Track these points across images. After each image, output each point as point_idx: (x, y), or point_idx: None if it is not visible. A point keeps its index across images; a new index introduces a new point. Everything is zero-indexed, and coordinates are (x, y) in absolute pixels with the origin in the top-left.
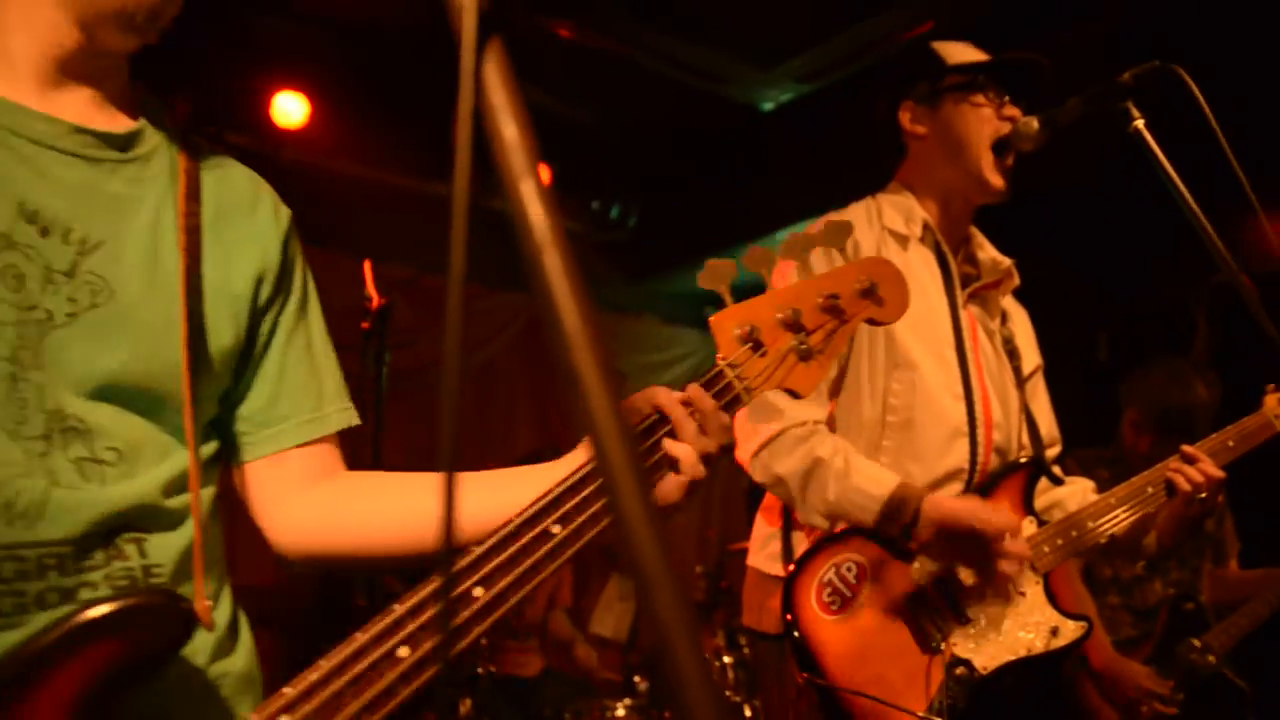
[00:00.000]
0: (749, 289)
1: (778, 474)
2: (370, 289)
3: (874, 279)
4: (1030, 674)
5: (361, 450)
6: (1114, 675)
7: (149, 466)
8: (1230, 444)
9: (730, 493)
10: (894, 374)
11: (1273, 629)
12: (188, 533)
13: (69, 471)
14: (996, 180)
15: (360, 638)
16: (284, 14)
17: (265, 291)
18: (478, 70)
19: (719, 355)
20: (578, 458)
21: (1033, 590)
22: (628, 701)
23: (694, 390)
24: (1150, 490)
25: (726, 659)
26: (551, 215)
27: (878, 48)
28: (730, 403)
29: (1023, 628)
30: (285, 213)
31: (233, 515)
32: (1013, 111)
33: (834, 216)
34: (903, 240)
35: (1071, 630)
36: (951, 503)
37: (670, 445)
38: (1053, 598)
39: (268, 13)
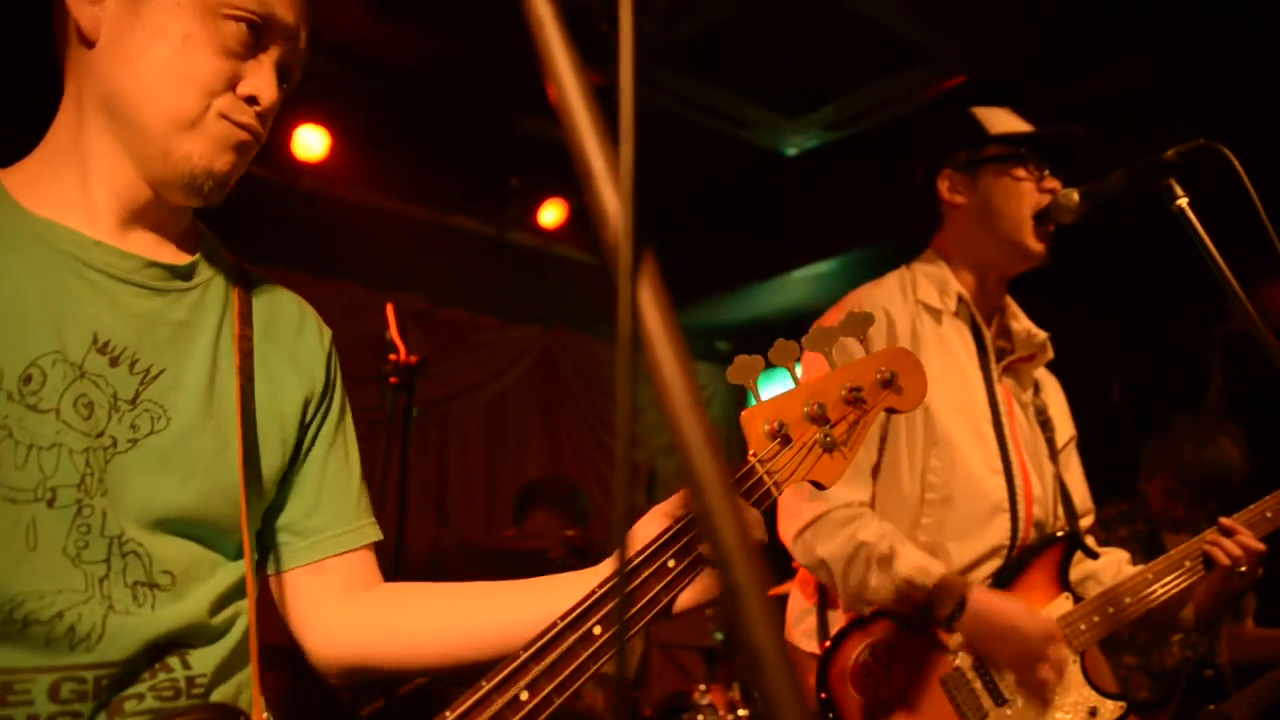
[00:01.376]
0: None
1: (820, 556)
2: (395, 336)
3: (894, 369)
4: None
5: (389, 498)
6: None
7: (197, 585)
8: (1268, 515)
9: None
10: (932, 451)
11: None
12: (229, 642)
13: (124, 597)
14: (1037, 246)
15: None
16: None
17: (311, 411)
18: (634, 296)
19: (750, 451)
20: (608, 566)
21: (1070, 669)
22: None
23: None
24: (1188, 564)
25: (741, 713)
26: (717, 460)
27: (905, 100)
28: (761, 497)
29: (1060, 708)
30: (328, 333)
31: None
32: (1053, 184)
33: (866, 293)
34: (936, 314)
35: (1110, 710)
36: (1000, 600)
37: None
38: (1089, 676)
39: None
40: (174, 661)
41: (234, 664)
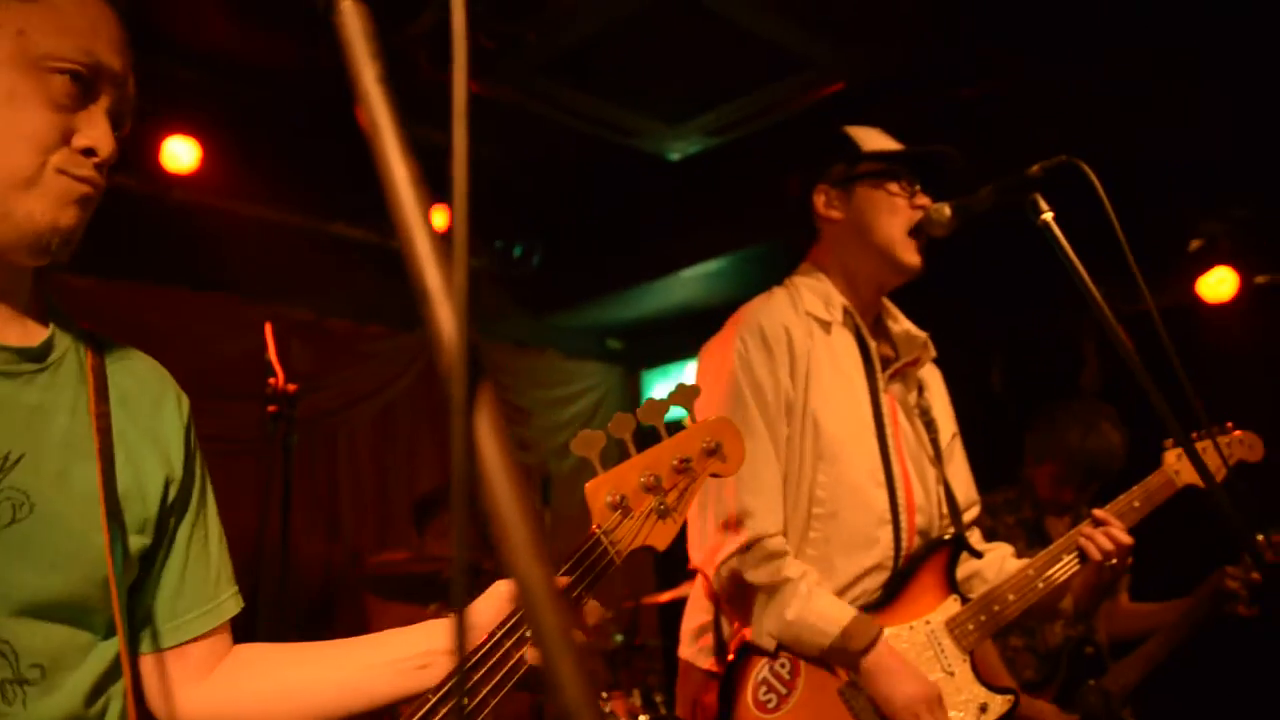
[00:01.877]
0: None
1: (748, 583)
2: (273, 358)
3: (718, 439)
4: None
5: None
6: (1023, 716)
7: (69, 674)
8: (1136, 504)
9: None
10: (820, 466)
11: (1170, 670)
12: None
13: None
14: (912, 258)
15: None
16: (174, 58)
17: (173, 490)
18: (469, 424)
19: (594, 523)
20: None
21: (960, 669)
22: None
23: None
24: (1065, 558)
25: (642, 718)
26: (544, 569)
27: (785, 106)
28: (605, 566)
29: (954, 707)
30: (185, 402)
31: None
32: (924, 200)
33: (759, 307)
34: (825, 325)
35: (999, 705)
36: (899, 665)
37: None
38: (978, 673)
39: (157, 57)
40: None
41: None
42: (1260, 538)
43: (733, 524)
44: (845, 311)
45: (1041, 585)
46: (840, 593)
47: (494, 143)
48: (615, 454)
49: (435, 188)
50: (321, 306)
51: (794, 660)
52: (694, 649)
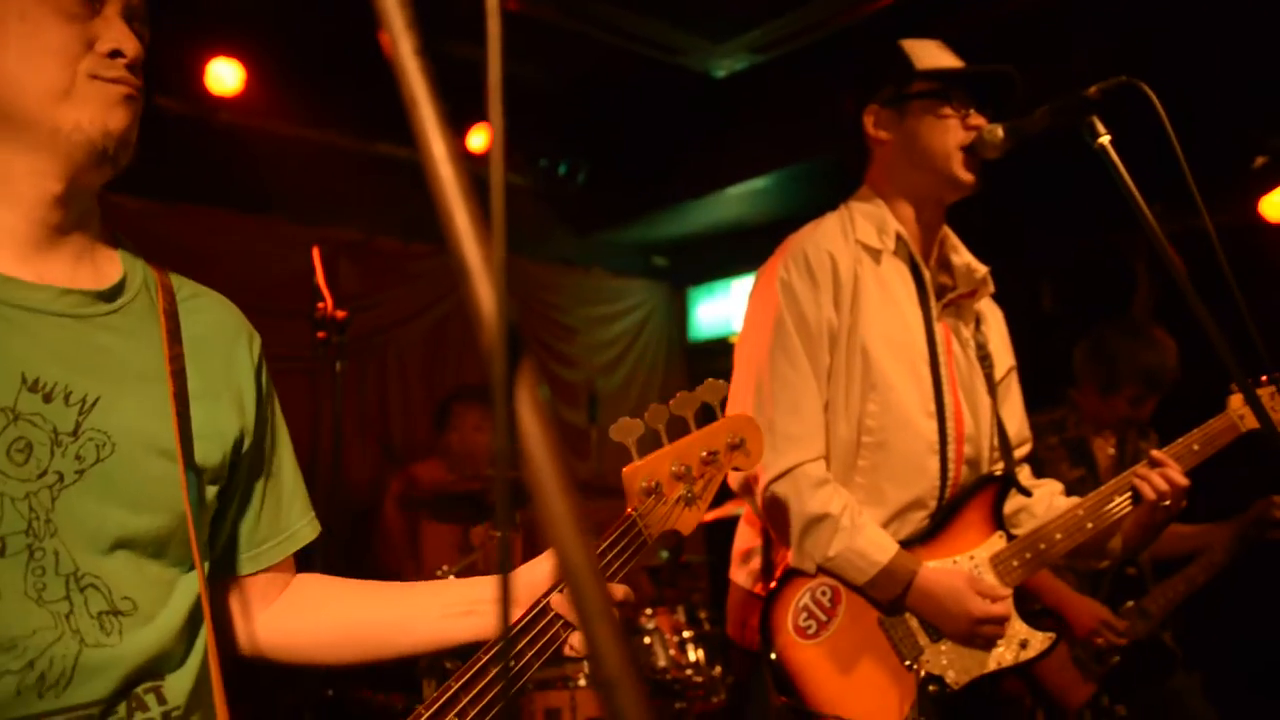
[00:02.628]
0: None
1: (788, 510)
2: (321, 282)
3: (742, 435)
4: (1000, 683)
5: (322, 436)
6: (1066, 608)
7: (158, 607)
8: (1195, 448)
9: None
10: (870, 395)
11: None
12: (194, 664)
13: (93, 629)
14: (966, 176)
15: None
16: None
17: (247, 431)
18: (510, 400)
19: (629, 505)
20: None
21: (1004, 604)
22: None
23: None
24: (1117, 499)
25: (686, 634)
26: (586, 544)
27: (832, 22)
28: (639, 546)
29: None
30: (257, 341)
31: None
32: (978, 120)
33: (807, 234)
34: (876, 254)
35: (1040, 641)
36: (942, 580)
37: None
38: (1020, 607)
39: None
40: (149, 699)
41: (201, 690)
42: None
43: (778, 448)
44: (898, 239)
45: (1090, 525)
46: (887, 522)
47: (538, 60)
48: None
49: (473, 106)
50: (369, 226)
51: (835, 588)
52: (742, 572)
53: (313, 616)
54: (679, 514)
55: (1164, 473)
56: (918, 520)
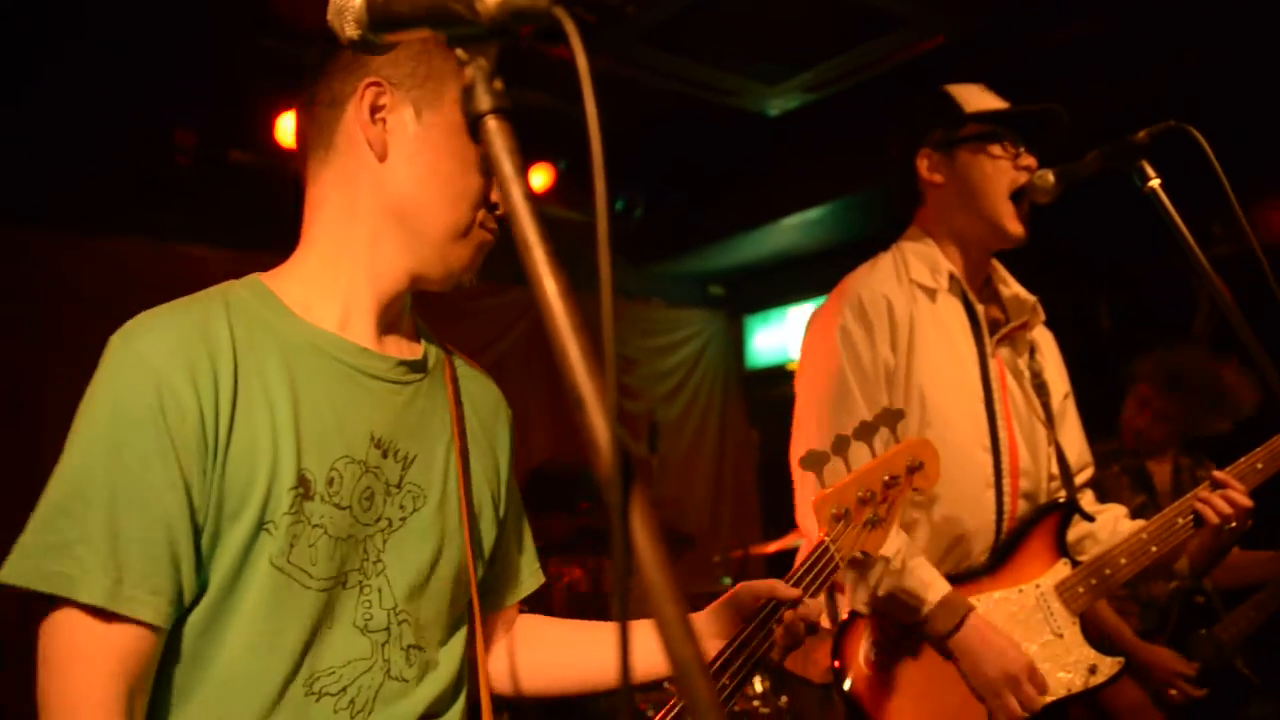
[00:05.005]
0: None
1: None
2: None
3: (920, 458)
4: (1068, 712)
5: None
6: (1140, 661)
7: (442, 646)
8: (1259, 466)
9: (743, 496)
10: (925, 432)
11: None
12: (461, 704)
13: (399, 660)
14: (1016, 228)
15: None
16: (286, 37)
17: (503, 489)
18: (626, 523)
19: (821, 532)
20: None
21: (1070, 631)
22: (653, 698)
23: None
24: (1180, 522)
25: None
26: (694, 646)
27: (882, 62)
28: (831, 570)
29: (1062, 668)
30: (509, 412)
31: None
32: (1029, 161)
33: (862, 277)
34: (931, 293)
35: (1109, 667)
36: (994, 630)
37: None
38: (1088, 634)
39: (269, 33)
40: None
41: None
42: None
43: None
44: (951, 278)
45: (1155, 549)
46: (944, 555)
47: (596, 103)
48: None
49: (533, 148)
50: None
51: (903, 626)
52: None
53: (532, 655)
54: (866, 536)
55: (1226, 494)
56: (978, 553)
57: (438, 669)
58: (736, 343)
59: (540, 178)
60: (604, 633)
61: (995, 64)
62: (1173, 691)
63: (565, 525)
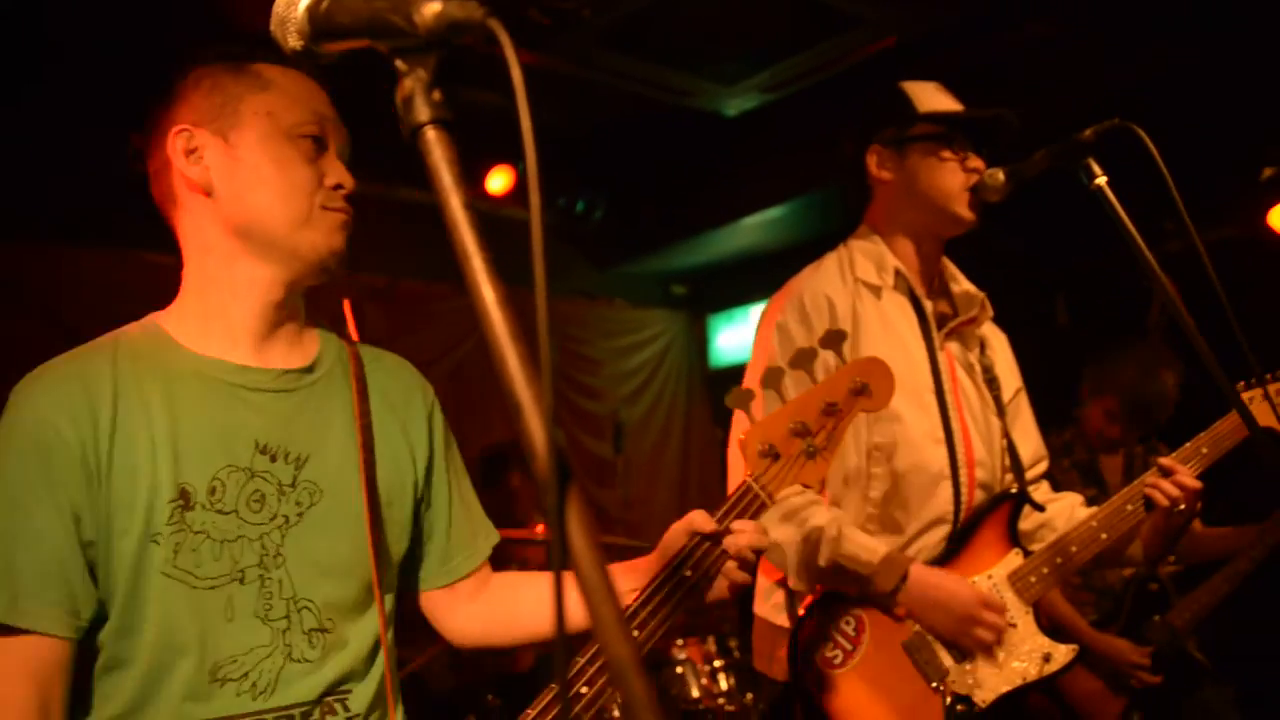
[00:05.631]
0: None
1: (774, 539)
2: (352, 331)
3: (864, 379)
4: (1027, 700)
5: None
6: (1097, 651)
7: (352, 627)
8: (1204, 450)
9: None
10: (876, 427)
11: (1234, 604)
12: (375, 676)
13: (302, 643)
14: (968, 214)
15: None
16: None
17: (420, 470)
18: (563, 526)
19: (746, 471)
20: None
21: (1023, 620)
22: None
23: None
24: (1129, 508)
25: (717, 663)
26: (630, 644)
27: (838, 62)
28: (758, 509)
29: (1016, 658)
30: (430, 391)
31: None
32: (977, 163)
33: (806, 278)
34: (875, 290)
35: (1063, 654)
36: (936, 573)
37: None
38: (1041, 623)
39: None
40: (338, 705)
41: (379, 699)
42: None
43: None
44: (898, 274)
45: (1105, 536)
46: (904, 547)
47: (554, 106)
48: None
49: (492, 150)
50: (394, 270)
51: (859, 618)
52: (767, 605)
53: (502, 609)
54: (799, 469)
55: (1175, 479)
56: (935, 545)
57: (346, 646)
58: (700, 342)
59: (500, 180)
60: (568, 579)
61: (952, 63)
62: (1132, 681)
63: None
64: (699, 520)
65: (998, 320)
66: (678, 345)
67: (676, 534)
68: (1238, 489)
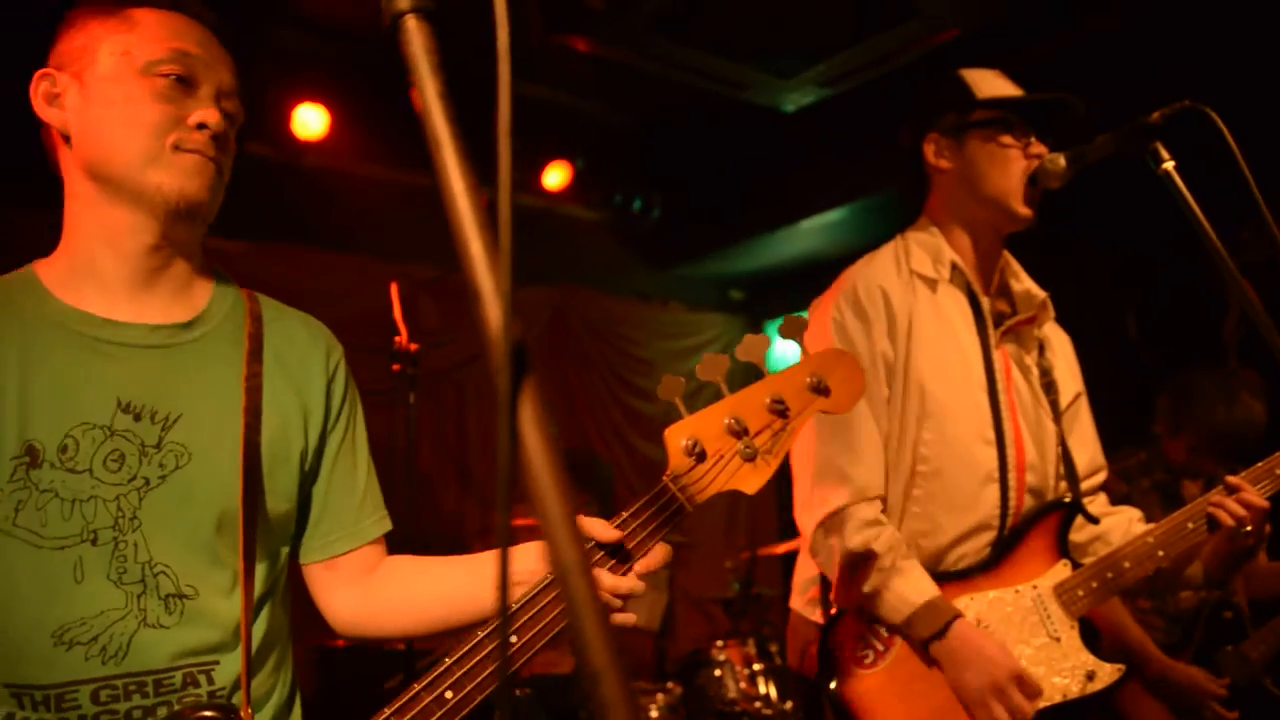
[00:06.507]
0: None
1: (833, 548)
2: (398, 317)
3: (823, 374)
4: (1069, 715)
5: (397, 463)
6: (1172, 682)
7: (220, 597)
8: (1278, 471)
9: (760, 498)
10: (925, 424)
11: None
12: (242, 652)
13: (158, 609)
14: (1024, 211)
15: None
16: (301, 27)
17: (312, 437)
18: (514, 415)
19: (667, 470)
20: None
21: (1068, 635)
22: (660, 700)
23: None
24: (1191, 526)
25: (756, 666)
26: (577, 545)
27: (898, 55)
28: (674, 513)
29: (1058, 673)
30: (336, 354)
31: None
32: (1039, 149)
33: (860, 269)
34: (931, 283)
35: (1108, 674)
36: (980, 635)
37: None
38: (1089, 638)
39: (286, 26)
40: (201, 677)
41: (247, 674)
42: None
43: (831, 487)
44: (954, 268)
45: (1162, 554)
46: (944, 551)
47: (609, 98)
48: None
49: (550, 146)
50: (446, 262)
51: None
52: (802, 600)
53: (386, 593)
54: (733, 473)
55: (1241, 497)
56: (979, 549)
57: (210, 615)
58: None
59: (556, 175)
60: (465, 565)
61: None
62: (1206, 713)
63: None
64: (597, 528)
65: (1068, 332)
66: (734, 349)
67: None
68: None
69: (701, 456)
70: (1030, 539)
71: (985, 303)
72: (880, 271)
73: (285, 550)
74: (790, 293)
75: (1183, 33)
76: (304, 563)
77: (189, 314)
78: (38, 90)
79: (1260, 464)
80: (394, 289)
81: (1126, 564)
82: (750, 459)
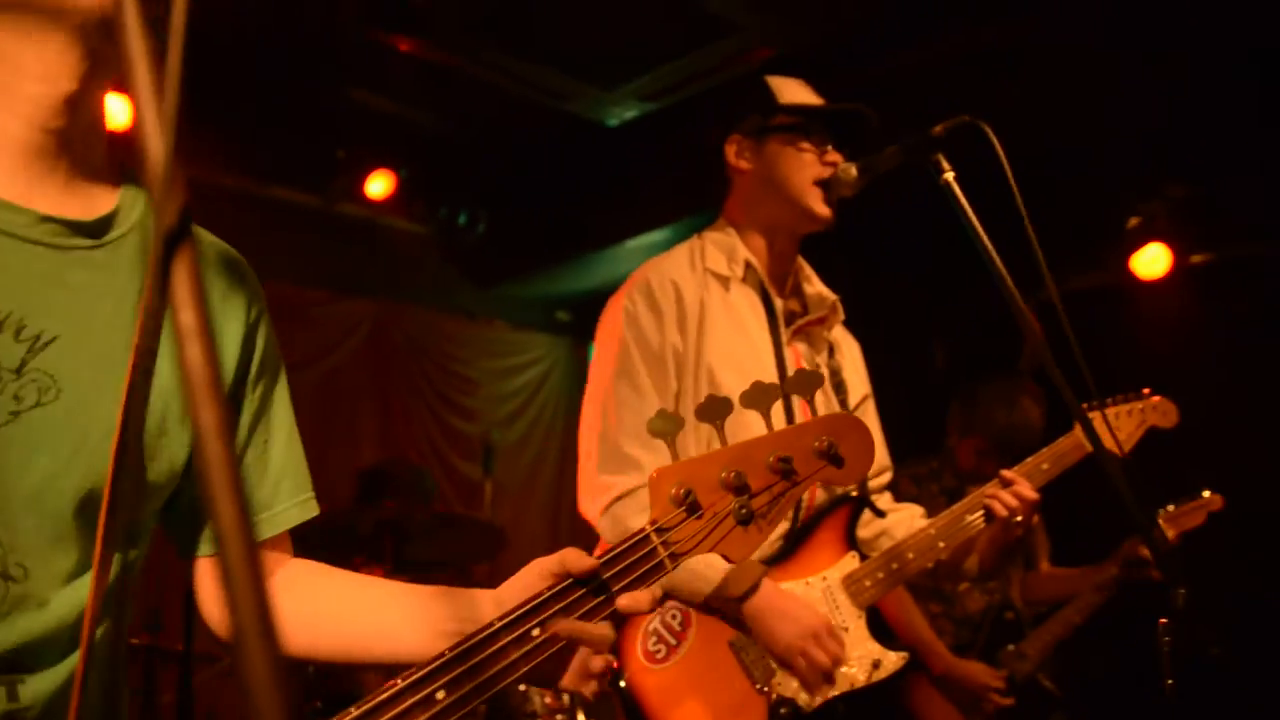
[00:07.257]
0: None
1: (622, 535)
2: None
3: (834, 438)
4: (858, 704)
5: None
6: (955, 677)
7: (55, 588)
8: (1045, 466)
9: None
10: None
11: (1085, 634)
12: (68, 666)
13: None
14: (823, 210)
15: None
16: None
17: (225, 389)
18: (165, 277)
19: (650, 517)
20: (531, 582)
21: (855, 625)
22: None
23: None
24: (969, 518)
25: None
26: (219, 411)
27: (720, 70)
28: (651, 569)
29: (846, 663)
30: (259, 306)
31: None
32: (834, 158)
33: (654, 265)
34: (724, 281)
35: (893, 661)
36: (787, 598)
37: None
38: (876, 628)
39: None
40: (2, 690)
41: (63, 695)
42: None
43: (617, 472)
44: (748, 267)
45: (943, 545)
46: None
47: (433, 106)
48: None
49: (373, 153)
50: (263, 270)
51: (685, 611)
52: None
53: (290, 606)
54: (723, 534)
55: (1014, 490)
56: (770, 543)
57: (42, 608)
58: (582, 369)
59: (380, 184)
60: (389, 594)
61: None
62: (986, 705)
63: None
64: (574, 560)
65: (878, 364)
66: (559, 371)
67: (537, 573)
68: (1082, 533)
69: (694, 509)
70: (820, 532)
71: (778, 303)
72: (674, 266)
73: (148, 536)
74: None
75: (999, 64)
76: (187, 555)
77: (89, 214)
78: None
79: (1029, 459)
80: None
81: (910, 555)
82: (745, 522)
